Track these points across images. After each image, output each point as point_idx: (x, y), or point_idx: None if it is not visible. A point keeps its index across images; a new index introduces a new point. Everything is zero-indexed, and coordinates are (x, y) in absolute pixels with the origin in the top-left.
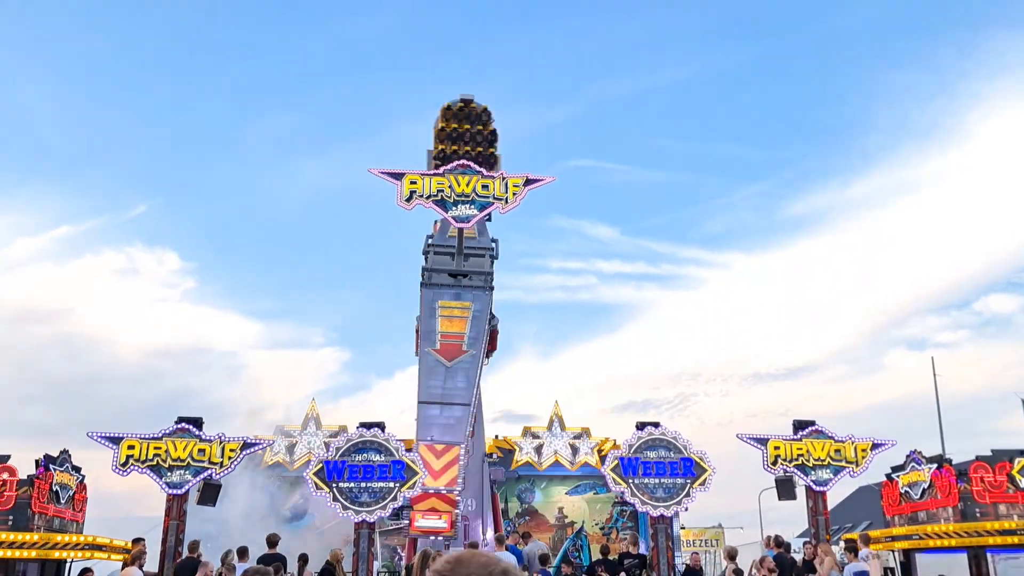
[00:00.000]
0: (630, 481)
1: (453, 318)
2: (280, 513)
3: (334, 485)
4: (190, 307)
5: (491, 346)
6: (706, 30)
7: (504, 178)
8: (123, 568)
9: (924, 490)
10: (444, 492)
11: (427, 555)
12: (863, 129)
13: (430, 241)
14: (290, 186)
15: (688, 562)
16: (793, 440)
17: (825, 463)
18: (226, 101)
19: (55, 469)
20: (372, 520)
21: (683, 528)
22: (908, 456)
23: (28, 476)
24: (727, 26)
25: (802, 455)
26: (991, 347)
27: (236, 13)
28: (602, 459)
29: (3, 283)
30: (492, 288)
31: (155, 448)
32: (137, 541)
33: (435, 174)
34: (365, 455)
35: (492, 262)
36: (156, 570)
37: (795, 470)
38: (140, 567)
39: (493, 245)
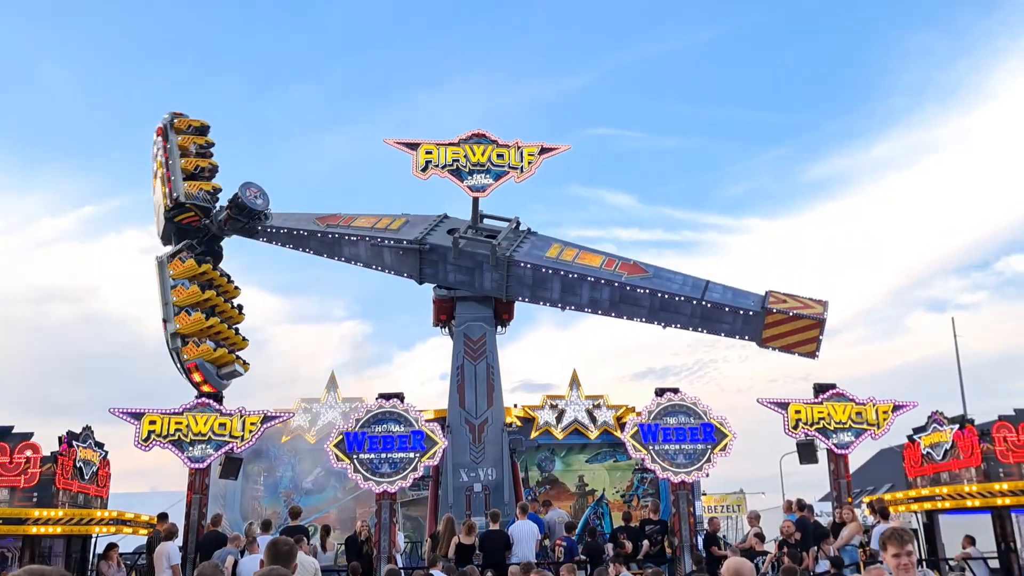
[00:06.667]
0: (650, 448)
1: None
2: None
3: (354, 456)
4: None
5: (506, 315)
6: None
7: (519, 147)
8: (159, 543)
9: (946, 451)
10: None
11: (451, 521)
12: (883, 91)
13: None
14: (310, 159)
15: (708, 528)
16: (814, 404)
17: (846, 426)
18: (245, 76)
19: (78, 445)
20: (393, 491)
21: (704, 494)
22: (930, 417)
23: (52, 453)
24: None
25: (823, 418)
26: (1012, 307)
27: None
28: (621, 427)
29: (28, 263)
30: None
31: (176, 423)
32: (162, 517)
33: (450, 144)
34: (385, 426)
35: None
36: (180, 544)
37: (816, 434)
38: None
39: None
